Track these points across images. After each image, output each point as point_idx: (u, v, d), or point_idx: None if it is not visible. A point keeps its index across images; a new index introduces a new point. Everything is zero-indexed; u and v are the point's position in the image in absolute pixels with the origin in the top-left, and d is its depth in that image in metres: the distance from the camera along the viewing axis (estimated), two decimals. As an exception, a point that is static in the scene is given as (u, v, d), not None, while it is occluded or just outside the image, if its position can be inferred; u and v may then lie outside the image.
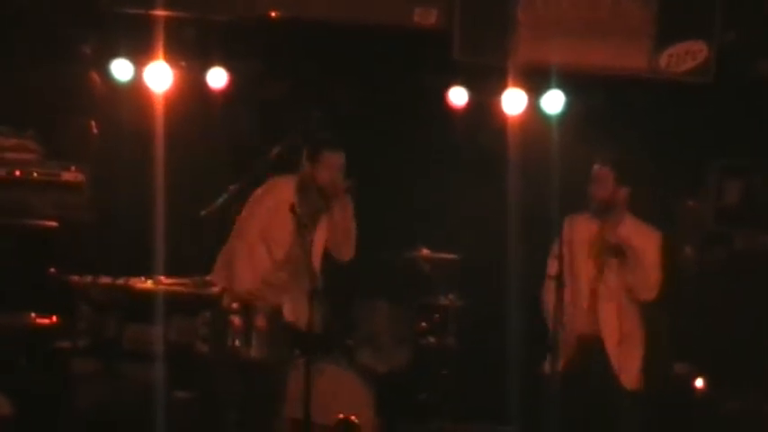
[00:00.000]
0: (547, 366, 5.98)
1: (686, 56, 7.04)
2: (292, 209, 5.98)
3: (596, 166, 5.96)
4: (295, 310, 6.43)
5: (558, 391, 5.91)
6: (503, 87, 7.41)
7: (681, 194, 7.99)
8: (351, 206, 6.33)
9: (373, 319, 7.61)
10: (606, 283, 6.02)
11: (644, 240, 6.01)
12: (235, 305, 6.32)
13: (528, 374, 6.55)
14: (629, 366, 6.04)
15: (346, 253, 6.41)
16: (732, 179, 7.73)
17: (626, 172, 5.99)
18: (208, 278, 6.94)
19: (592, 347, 6.00)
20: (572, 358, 5.95)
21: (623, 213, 6.00)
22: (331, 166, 6.28)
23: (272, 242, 6.45)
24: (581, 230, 6.08)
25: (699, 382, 7.30)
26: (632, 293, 6.00)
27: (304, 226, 6.28)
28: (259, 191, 6.46)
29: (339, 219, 6.32)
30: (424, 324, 7.50)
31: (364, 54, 7.83)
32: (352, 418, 6.94)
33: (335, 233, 6.45)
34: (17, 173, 7.31)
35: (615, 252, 5.96)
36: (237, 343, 6.28)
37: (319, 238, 6.38)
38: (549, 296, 6.05)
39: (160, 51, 7.40)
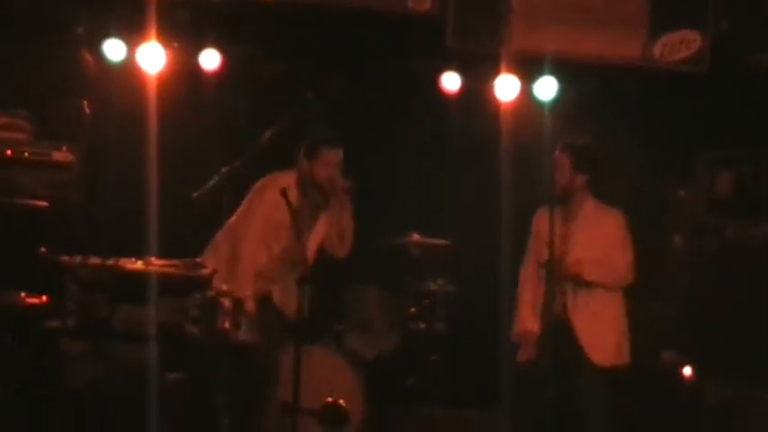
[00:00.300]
0: (519, 354, 6.19)
1: (680, 45, 7.03)
2: (284, 193, 5.96)
3: (556, 153, 6.06)
4: (284, 296, 6.50)
5: (534, 375, 6.09)
6: (496, 73, 7.35)
7: (672, 184, 7.92)
8: (349, 207, 6.35)
9: (363, 304, 7.59)
10: (568, 262, 6.12)
11: (607, 224, 6.13)
12: (225, 287, 6.26)
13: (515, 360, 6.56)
14: (599, 344, 6.11)
15: (342, 251, 6.47)
16: (724, 170, 7.74)
17: (583, 158, 6.05)
18: (198, 260, 6.75)
19: (561, 329, 6.08)
20: (543, 341, 6.01)
21: (585, 198, 6.09)
22: (329, 164, 6.28)
23: (271, 236, 6.52)
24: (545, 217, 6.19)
25: (687, 370, 7.24)
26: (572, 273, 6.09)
27: (300, 217, 6.29)
28: (259, 184, 6.48)
29: (337, 218, 6.37)
30: (413, 309, 7.44)
31: (357, 39, 7.75)
32: (340, 402, 6.89)
33: (333, 231, 6.49)
34: (8, 152, 7.27)
35: (572, 226, 6.11)
36: (227, 326, 6.23)
37: (317, 234, 6.47)
38: (526, 284, 6.27)
39: (153, 32, 7.25)
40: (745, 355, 7.20)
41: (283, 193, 6.02)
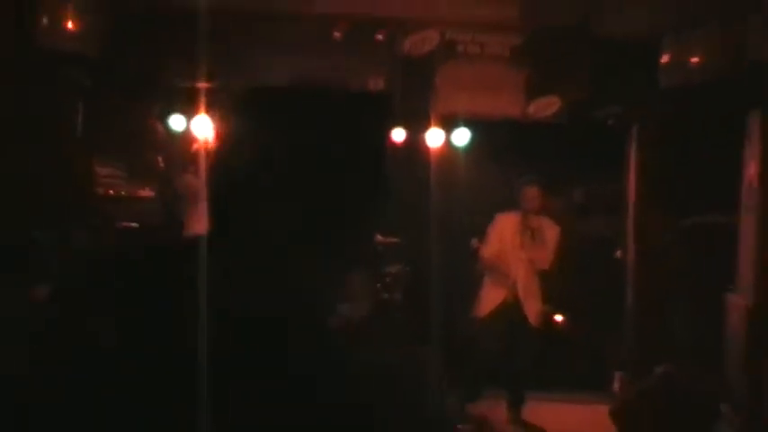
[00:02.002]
0: (481, 309, 7.47)
1: (546, 106, 8.23)
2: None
3: (526, 187, 7.28)
4: None
5: (490, 330, 7.42)
6: (428, 127, 8.54)
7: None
8: None
9: (349, 283, 8.75)
10: (521, 257, 7.38)
11: (548, 230, 7.43)
12: None
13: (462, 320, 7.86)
14: (531, 311, 7.44)
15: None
16: (580, 187, 9.18)
17: (545, 188, 7.40)
18: None
19: (512, 299, 7.43)
20: (501, 307, 7.38)
21: (540, 215, 7.42)
22: None
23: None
24: (508, 222, 7.45)
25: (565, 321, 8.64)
26: (535, 264, 7.42)
27: None
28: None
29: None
30: (379, 285, 8.49)
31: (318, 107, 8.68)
32: None
33: None
34: (110, 191, 8.50)
35: (532, 233, 7.32)
36: None
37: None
38: (490, 258, 7.44)
39: (202, 109, 8.34)
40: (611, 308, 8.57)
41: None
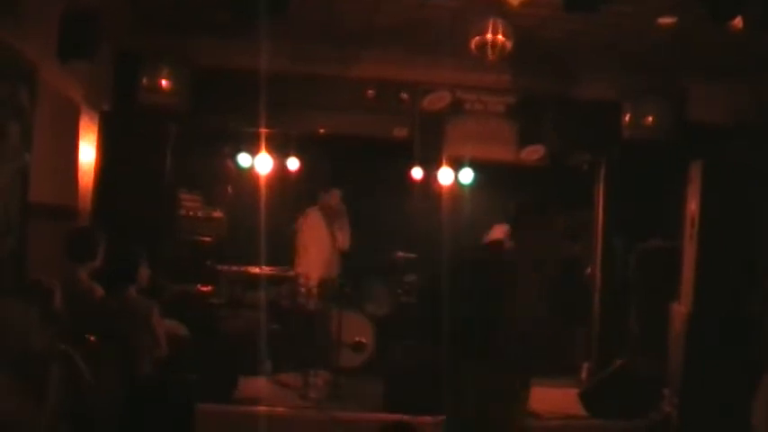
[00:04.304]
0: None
1: (533, 152, 8.46)
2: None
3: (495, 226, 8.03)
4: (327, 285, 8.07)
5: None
6: (440, 167, 8.84)
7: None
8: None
9: (375, 288, 8.98)
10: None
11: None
12: (302, 280, 8.04)
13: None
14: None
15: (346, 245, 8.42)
16: (558, 216, 9.37)
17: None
18: (286, 267, 8.49)
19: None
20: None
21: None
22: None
23: (313, 242, 8.35)
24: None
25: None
26: None
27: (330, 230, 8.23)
28: (301, 218, 8.39)
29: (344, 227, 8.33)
30: (399, 291, 8.98)
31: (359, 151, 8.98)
32: (362, 339, 8.11)
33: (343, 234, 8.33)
34: (190, 212, 8.80)
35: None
36: (302, 301, 8.04)
37: (337, 238, 8.47)
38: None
39: (263, 147, 8.71)
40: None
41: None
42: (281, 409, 7.00)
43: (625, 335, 8.13)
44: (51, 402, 3.78)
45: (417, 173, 9.34)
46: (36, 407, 3.69)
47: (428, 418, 6.69)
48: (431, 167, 9.05)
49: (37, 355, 3.79)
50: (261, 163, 8.89)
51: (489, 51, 6.54)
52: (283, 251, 8.63)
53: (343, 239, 8.48)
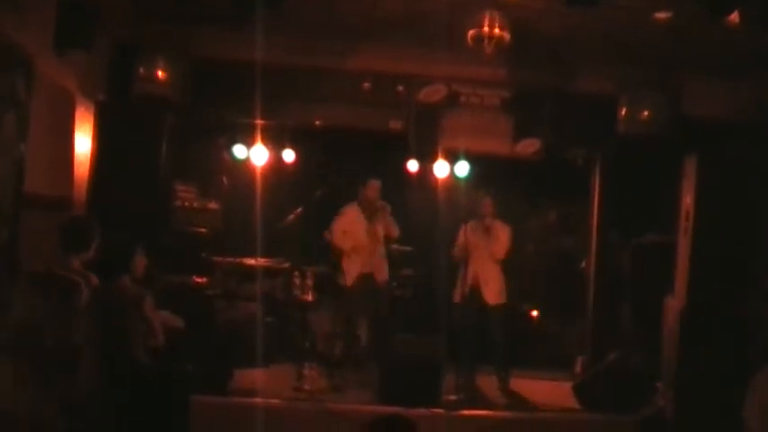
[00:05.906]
0: (456, 296, 7.82)
1: (528, 145, 8.29)
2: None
3: (484, 200, 7.88)
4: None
5: (463, 309, 7.72)
6: (435, 160, 8.77)
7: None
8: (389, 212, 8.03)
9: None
10: (482, 251, 7.79)
11: (501, 229, 7.92)
12: (296, 273, 7.96)
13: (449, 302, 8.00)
14: (491, 295, 7.81)
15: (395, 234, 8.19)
16: (553, 210, 9.59)
17: (494, 200, 7.93)
18: (281, 259, 8.51)
19: (476, 286, 7.78)
20: (468, 292, 7.70)
21: (494, 218, 7.93)
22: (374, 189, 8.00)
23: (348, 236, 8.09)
24: (475, 227, 7.81)
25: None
26: (493, 255, 7.84)
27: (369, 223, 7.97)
28: (341, 211, 8.17)
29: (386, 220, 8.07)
30: (395, 284, 8.86)
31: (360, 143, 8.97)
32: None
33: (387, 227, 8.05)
34: (186, 203, 8.78)
35: (487, 231, 7.78)
36: (296, 292, 7.95)
37: (379, 230, 8.14)
38: (458, 251, 7.82)
39: (259, 139, 8.75)
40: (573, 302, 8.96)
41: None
42: (275, 400, 7.02)
43: (619, 329, 8.16)
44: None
45: (413, 165, 9.39)
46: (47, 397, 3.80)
47: (423, 411, 6.69)
48: (426, 160, 9.06)
49: (53, 350, 3.88)
50: (257, 154, 8.93)
51: (486, 44, 6.53)
52: (278, 244, 8.68)
53: (391, 230, 8.23)
